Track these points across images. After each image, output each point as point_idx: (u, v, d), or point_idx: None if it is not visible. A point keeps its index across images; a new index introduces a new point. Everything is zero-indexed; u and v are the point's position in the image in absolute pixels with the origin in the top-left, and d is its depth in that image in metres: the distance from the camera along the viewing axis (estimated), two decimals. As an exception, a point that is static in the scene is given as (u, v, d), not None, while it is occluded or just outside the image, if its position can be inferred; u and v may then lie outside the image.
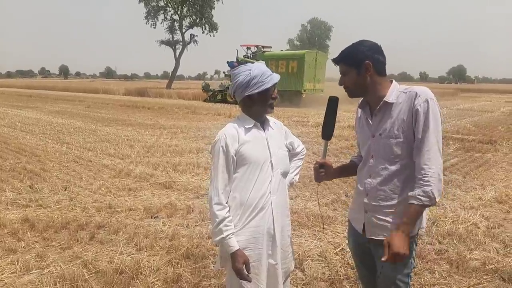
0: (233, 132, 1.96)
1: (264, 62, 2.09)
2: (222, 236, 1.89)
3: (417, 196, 1.70)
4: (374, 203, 1.88)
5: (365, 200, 1.92)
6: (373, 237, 1.91)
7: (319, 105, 20.04)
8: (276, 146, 2.05)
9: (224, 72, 28.44)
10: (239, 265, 1.88)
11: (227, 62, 25.42)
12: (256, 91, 1.95)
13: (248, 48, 26.86)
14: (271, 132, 2.08)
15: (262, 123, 2.06)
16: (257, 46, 26.70)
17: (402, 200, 1.81)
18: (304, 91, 22.38)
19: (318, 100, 21.87)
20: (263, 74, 1.96)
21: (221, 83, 28.30)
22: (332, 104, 2.07)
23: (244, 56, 26.01)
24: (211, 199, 1.93)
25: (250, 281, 1.91)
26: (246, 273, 1.89)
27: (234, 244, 1.91)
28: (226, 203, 1.93)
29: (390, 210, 1.84)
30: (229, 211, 1.93)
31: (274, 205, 2.00)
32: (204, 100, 26.79)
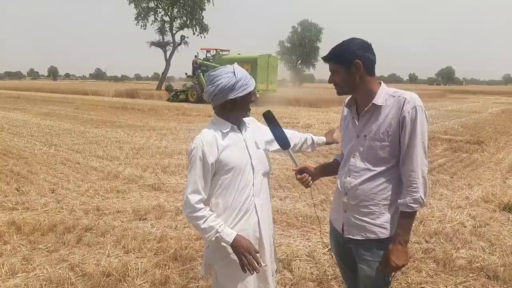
0: (211, 138, 1.89)
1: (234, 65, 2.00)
2: (215, 229, 1.84)
3: (409, 204, 1.75)
4: (353, 203, 1.89)
5: (344, 200, 1.93)
6: (351, 237, 1.92)
7: (272, 104, 21.37)
8: (254, 147, 2.01)
9: (186, 73, 29.41)
10: (245, 252, 1.82)
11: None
12: (241, 94, 1.88)
13: (208, 51, 28.23)
14: (248, 132, 2.03)
15: (239, 125, 2.01)
16: (216, 50, 28.20)
17: (381, 201, 1.83)
18: (258, 91, 23.43)
19: (271, 99, 23.79)
20: (246, 77, 1.91)
21: (184, 83, 29.96)
22: (269, 117, 2.09)
23: (204, 59, 27.22)
24: (189, 205, 1.86)
25: (260, 266, 1.86)
26: (257, 259, 1.84)
27: (230, 231, 1.86)
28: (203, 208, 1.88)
29: (369, 210, 1.85)
30: (210, 211, 1.91)
31: (258, 207, 1.98)
32: (167, 100, 27.93)
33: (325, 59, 1.88)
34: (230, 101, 1.90)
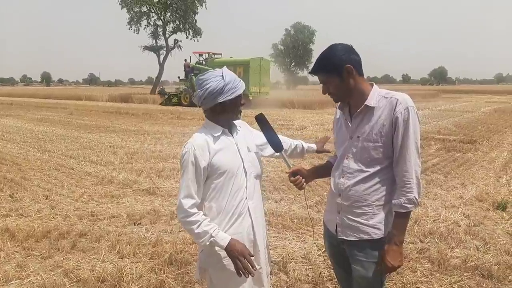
0: (202, 143, 1.90)
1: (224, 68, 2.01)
2: (209, 233, 1.83)
3: (403, 205, 1.77)
4: (346, 204, 1.90)
5: (338, 201, 1.94)
6: (344, 238, 1.92)
7: (265, 106, 22.00)
8: (246, 150, 2.01)
9: (178, 77, 29.58)
10: (240, 256, 1.81)
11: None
12: (230, 97, 1.89)
13: (200, 55, 28.52)
14: (239, 135, 2.03)
15: (230, 129, 2.01)
16: (208, 53, 28.54)
17: (374, 202, 1.84)
18: (251, 94, 23.80)
19: (264, 102, 24.19)
20: (235, 80, 1.91)
21: (176, 87, 30.28)
22: (262, 120, 2.09)
23: (196, 62, 27.49)
24: (183, 209, 1.86)
25: (255, 269, 1.85)
26: (252, 262, 1.83)
27: (224, 235, 1.85)
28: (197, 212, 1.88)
29: (362, 211, 1.86)
30: (203, 215, 1.90)
31: (251, 210, 1.98)
32: (160, 103, 28.10)
33: (314, 71, 1.88)
34: (220, 104, 1.91)
